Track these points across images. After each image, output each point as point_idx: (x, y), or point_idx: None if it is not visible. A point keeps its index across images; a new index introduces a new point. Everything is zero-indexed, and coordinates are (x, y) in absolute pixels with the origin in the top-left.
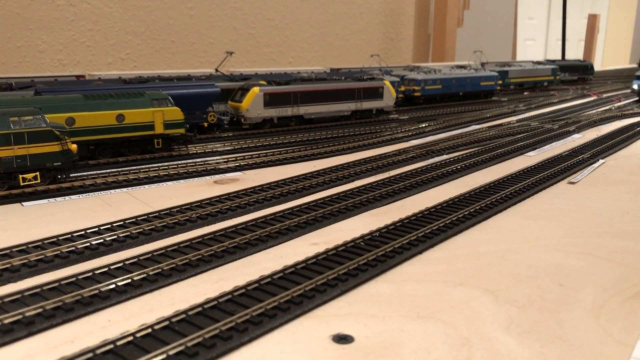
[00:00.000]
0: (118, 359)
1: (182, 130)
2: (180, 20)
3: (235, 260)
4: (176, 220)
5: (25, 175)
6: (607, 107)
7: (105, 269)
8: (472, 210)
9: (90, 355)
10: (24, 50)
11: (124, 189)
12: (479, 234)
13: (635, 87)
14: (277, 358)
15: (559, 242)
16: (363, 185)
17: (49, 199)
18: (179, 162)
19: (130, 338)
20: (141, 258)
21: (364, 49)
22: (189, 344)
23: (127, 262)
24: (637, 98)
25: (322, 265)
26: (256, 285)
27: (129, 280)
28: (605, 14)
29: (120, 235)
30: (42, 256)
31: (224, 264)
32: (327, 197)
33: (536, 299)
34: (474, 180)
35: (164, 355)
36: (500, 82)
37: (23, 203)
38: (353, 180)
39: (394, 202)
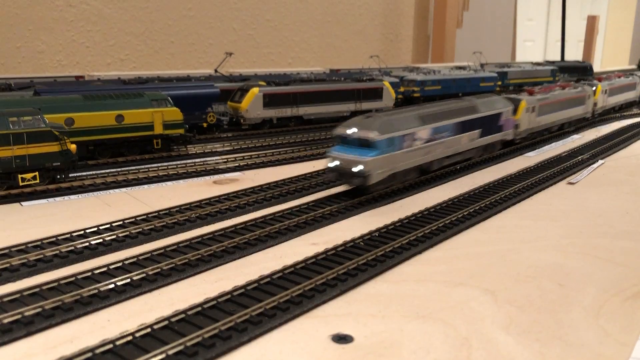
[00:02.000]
0: (117, 358)
1: (181, 131)
2: (180, 21)
3: (235, 260)
4: (175, 220)
5: (24, 175)
6: None
7: (105, 269)
8: (471, 211)
9: (89, 355)
10: (24, 51)
11: (123, 189)
12: (478, 234)
13: (332, 164)
14: (276, 358)
15: (558, 242)
16: None
17: (48, 199)
18: (179, 162)
19: (130, 338)
20: (140, 258)
21: (364, 49)
22: (188, 344)
23: (126, 262)
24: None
25: (321, 265)
26: (255, 285)
27: (128, 280)
28: (604, 15)
29: (120, 235)
30: (41, 256)
31: (223, 264)
32: (327, 197)
33: (536, 299)
34: (474, 180)
35: (163, 355)
36: (499, 83)
37: (22, 203)
38: None
39: (393, 202)
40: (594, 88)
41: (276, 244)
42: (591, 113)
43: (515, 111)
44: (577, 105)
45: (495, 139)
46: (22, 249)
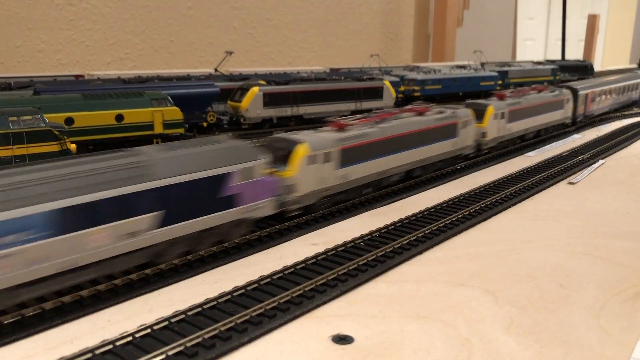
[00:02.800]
0: (117, 359)
1: (181, 130)
2: (180, 20)
3: (235, 260)
4: None
5: None
6: None
7: None
8: (472, 211)
9: (89, 355)
10: (23, 50)
11: None
12: (479, 235)
13: None
14: (276, 358)
15: (559, 242)
16: None
17: None
18: None
19: (130, 338)
20: None
21: (364, 48)
22: (188, 344)
23: None
24: None
25: (321, 265)
26: (255, 285)
27: (128, 281)
28: (605, 14)
29: None
30: None
31: (223, 265)
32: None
33: (536, 300)
34: (474, 180)
35: (163, 356)
36: (500, 82)
37: None
38: None
39: (393, 202)
40: (487, 109)
41: (276, 245)
42: (475, 147)
43: (284, 163)
44: (441, 140)
45: (217, 222)
46: None
